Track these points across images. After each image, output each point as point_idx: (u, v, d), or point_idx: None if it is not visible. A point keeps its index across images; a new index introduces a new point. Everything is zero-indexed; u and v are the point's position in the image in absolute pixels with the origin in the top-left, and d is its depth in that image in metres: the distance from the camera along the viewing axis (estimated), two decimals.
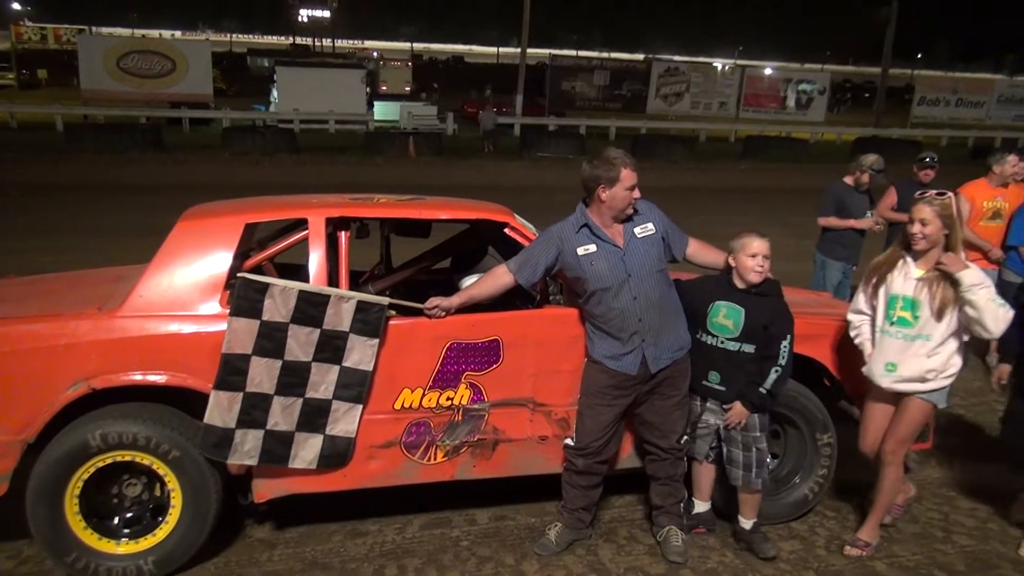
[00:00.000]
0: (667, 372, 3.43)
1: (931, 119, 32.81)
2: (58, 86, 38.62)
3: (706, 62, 42.63)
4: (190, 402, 3.33)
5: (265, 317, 3.18)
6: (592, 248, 3.32)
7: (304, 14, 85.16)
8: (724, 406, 3.49)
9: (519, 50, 29.31)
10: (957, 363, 3.39)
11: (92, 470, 3.17)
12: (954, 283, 3.25)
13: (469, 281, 3.73)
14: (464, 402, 3.52)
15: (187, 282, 3.32)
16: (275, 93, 29.08)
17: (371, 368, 3.35)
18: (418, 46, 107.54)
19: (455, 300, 3.43)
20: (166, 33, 70.98)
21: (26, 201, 12.92)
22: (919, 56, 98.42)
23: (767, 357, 3.39)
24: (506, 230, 3.74)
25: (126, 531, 3.30)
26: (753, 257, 3.36)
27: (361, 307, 3.28)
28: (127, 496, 3.33)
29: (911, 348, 3.35)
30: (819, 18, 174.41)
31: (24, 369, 3.14)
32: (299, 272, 3.76)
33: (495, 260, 3.97)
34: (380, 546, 3.65)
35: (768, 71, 36.21)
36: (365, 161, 20.09)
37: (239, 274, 3.21)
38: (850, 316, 3.63)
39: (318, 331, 3.26)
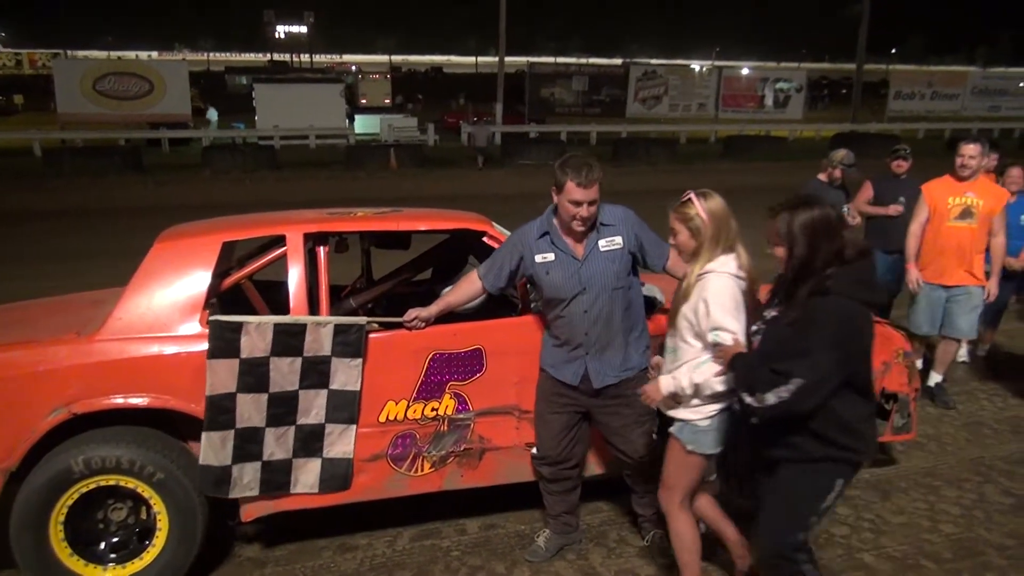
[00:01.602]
0: (617, 390, 3.32)
1: (907, 113, 33.14)
2: (35, 111, 38.39)
3: (683, 64, 42.99)
4: (174, 423, 3.33)
5: (244, 355, 3.18)
6: (550, 257, 3.24)
7: (281, 30, 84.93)
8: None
9: (497, 59, 29.40)
10: (713, 398, 2.86)
11: (76, 496, 3.14)
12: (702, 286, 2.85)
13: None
14: (449, 412, 3.53)
15: (166, 303, 3.31)
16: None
17: (359, 388, 3.35)
18: (396, 58, 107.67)
19: (433, 309, 3.43)
20: (142, 54, 70.74)
21: (4, 228, 12.82)
22: (893, 51, 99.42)
23: None
24: (485, 239, 3.75)
25: (113, 556, 3.27)
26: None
27: (339, 330, 3.29)
28: (113, 521, 3.30)
29: (664, 362, 3.02)
30: (794, 17, 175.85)
31: (3, 397, 3.12)
32: (279, 289, 3.76)
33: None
34: (371, 560, 3.64)
35: (745, 71, 36.44)
36: (347, 175, 20.09)
37: (211, 318, 3.19)
38: None
39: (300, 359, 3.26)
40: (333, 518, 3.72)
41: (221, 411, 3.19)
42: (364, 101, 40.15)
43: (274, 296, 3.73)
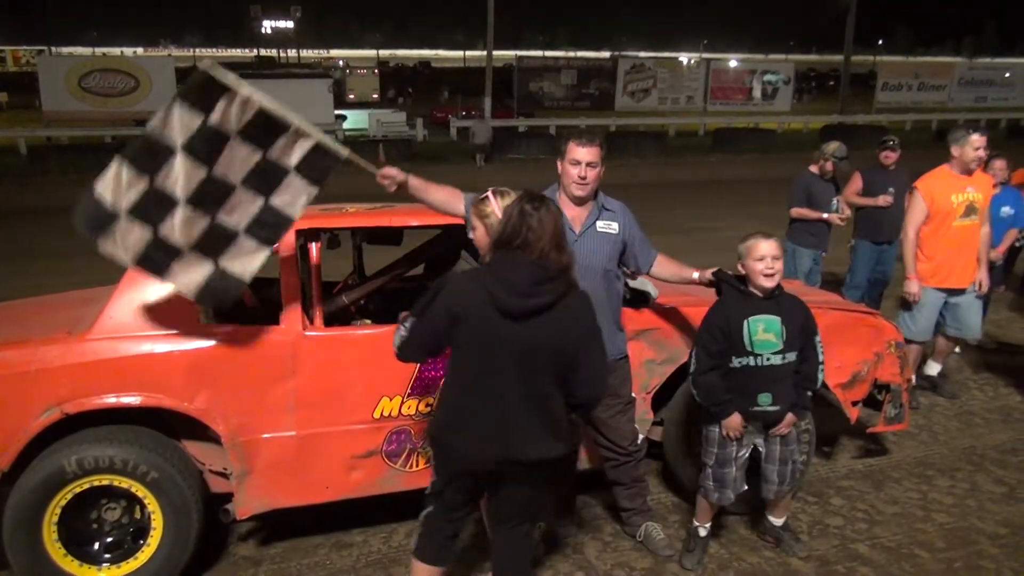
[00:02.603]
0: None
1: (895, 104, 33.32)
2: (19, 109, 38.06)
3: (671, 57, 43.04)
4: (167, 422, 3.31)
5: (212, 120, 2.80)
6: None
7: (267, 25, 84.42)
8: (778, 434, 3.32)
9: (485, 53, 29.32)
10: None
11: (69, 496, 3.12)
12: None
13: None
14: None
15: (158, 301, 3.28)
16: None
17: (296, 216, 3.06)
18: (384, 53, 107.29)
19: (413, 179, 3.30)
20: (128, 51, 70.17)
21: None
22: (880, 42, 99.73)
23: (806, 359, 3.27)
24: None
25: (107, 556, 3.25)
26: (761, 260, 3.14)
27: (316, 150, 3.00)
28: (106, 521, 3.27)
29: None
30: (781, 8, 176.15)
31: None
32: (272, 286, 3.75)
33: (468, 264, 3.98)
34: (366, 557, 3.63)
35: (733, 63, 36.52)
36: (336, 170, 19.98)
37: (209, 68, 2.78)
38: None
39: (260, 155, 2.92)
40: (328, 515, 3.71)
41: (151, 152, 2.77)
42: (352, 96, 40.04)
43: (266, 293, 3.71)
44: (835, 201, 6.11)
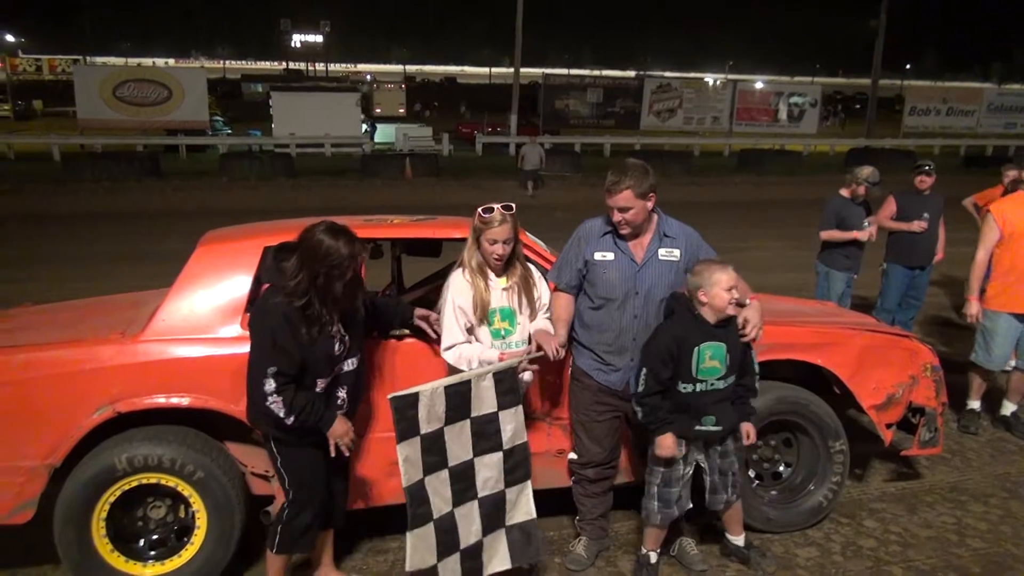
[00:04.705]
0: None
1: (922, 129, 33.07)
2: (54, 116, 38.79)
3: (697, 77, 43.03)
4: (213, 423, 3.38)
5: (423, 430, 2.96)
6: (609, 256, 3.32)
7: (297, 39, 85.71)
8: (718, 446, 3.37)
9: (511, 70, 29.50)
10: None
11: (118, 493, 3.20)
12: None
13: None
14: None
15: (208, 306, 3.37)
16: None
17: (525, 437, 3.25)
18: (411, 68, 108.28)
19: (561, 333, 3.35)
20: (160, 61, 71.33)
21: (27, 231, 12.98)
22: (908, 67, 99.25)
23: (745, 372, 3.33)
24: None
25: (152, 553, 3.34)
26: (730, 291, 3.13)
27: (497, 379, 3.11)
28: (152, 518, 3.35)
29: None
30: (808, 31, 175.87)
31: (50, 394, 3.18)
32: None
33: None
34: (401, 563, 3.64)
35: (759, 85, 36.48)
36: (363, 184, 20.20)
37: (390, 395, 2.92)
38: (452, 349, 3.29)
39: (468, 422, 3.08)
40: (365, 521, 3.76)
41: (420, 502, 3.00)
42: (379, 110, 40.48)
43: None
44: (866, 223, 6.11)
